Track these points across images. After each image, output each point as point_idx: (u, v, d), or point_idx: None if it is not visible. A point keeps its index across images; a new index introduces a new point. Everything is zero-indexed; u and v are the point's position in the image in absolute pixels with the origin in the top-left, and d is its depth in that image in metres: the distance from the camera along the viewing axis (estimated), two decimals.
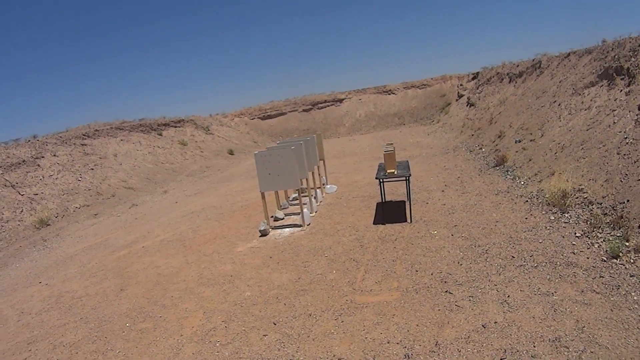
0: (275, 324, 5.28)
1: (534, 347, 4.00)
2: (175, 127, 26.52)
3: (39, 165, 15.99)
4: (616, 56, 10.27)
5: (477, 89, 23.80)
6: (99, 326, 6.00)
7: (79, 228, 12.53)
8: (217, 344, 5.02)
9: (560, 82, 13.19)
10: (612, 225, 6.22)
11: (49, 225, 12.94)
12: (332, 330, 4.91)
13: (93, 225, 12.62)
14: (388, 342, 4.48)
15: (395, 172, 8.14)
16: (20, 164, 15.56)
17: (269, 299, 5.97)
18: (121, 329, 5.80)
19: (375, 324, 4.87)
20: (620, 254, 5.42)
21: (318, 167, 11.86)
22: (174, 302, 6.39)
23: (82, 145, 19.05)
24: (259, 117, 35.32)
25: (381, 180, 8.25)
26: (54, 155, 17.08)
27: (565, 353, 3.84)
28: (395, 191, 10.51)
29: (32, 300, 7.48)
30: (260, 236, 8.89)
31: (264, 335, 5.05)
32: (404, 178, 8.02)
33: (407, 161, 9.32)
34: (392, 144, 8.73)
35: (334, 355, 4.43)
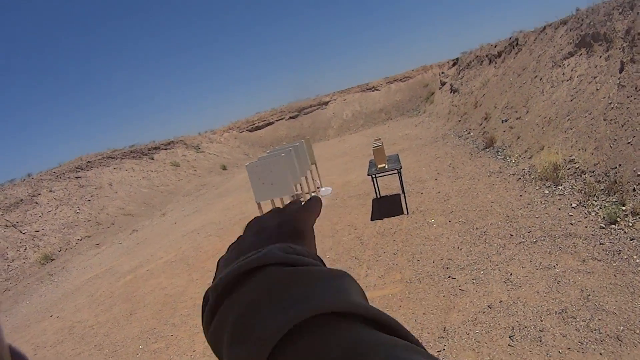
0: None
1: (541, 321, 4.01)
2: (166, 149, 26.50)
3: (36, 203, 16.03)
4: (591, 23, 10.29)
5: (459, 74, 23.84)
6: (113, 351, 6.01)
7: (83, 259, 12.51)
8: None
9: (539, 56, 13.24)
10: (606, 192, 6.23)
11: (53, 259, 12.96)
12: None
13: (96, 255, 12.60)
14: None
15: (386, 167, 8.14)
16: (18, 203, 15.60)
17: None
18: (135, 352, 5.81)
19: None
20: (618, 219, 5.44)
21: (310, 171, 11.86)
22: (184, 320, 6.38)
23: (77, 178, 19.06)
24: (247, 130, 35.32)
25: (373, 176, 8.25)
26: (50, 191, 17.11)
27: (573, 323, 3.86)
28: (389, 185, 10.51)
29: (45, 334, 7.49)
30: None
31: None
32: (396, 171, 8.03)
33: (397, 154, 9.33)
34: (379, 139, 8.75)
35: None
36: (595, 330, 3.70)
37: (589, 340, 3.60)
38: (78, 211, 16.40)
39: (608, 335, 3.60)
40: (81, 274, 10.98)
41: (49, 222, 15.04)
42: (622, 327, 3.63)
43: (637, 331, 3.53)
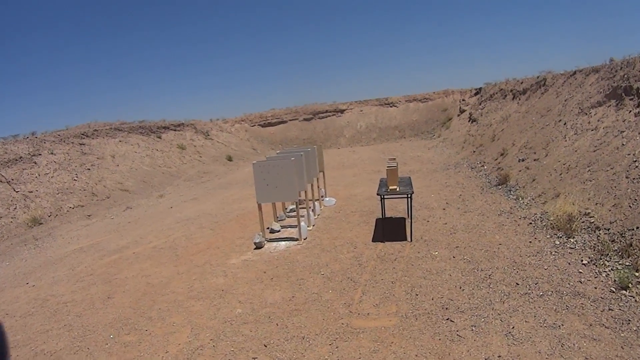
0: (265, 346, 5.01)
1: None
2: (175, 130, 26.31)
3: (35, 163, 15.80)
4: (625, 75, 10.04)
5: (480, 104, 23.61)
6: (82, 335, 5.74)
7: (71, 229, 12.27)
8: None
9: (565, 100, 12.99)
10: (620, 254, 5.97)
11: (41, 224, 12.71)
12: (326, 357, 4.63)
13: (86, 227, 12.37)
14: None
15: (398, 189, 7.89)
16: (17, 160, 15.36)
17: (260, 318, 5.70)
18: (105, 341, 5.53)
19: (371, 352, 4.60)
20: (630, 285, 5.18)
21: (317, 179, 11.61)
22: (162, 315, 6.12)
23: (80, 144, 18.85)
24: (259, 124, 35.12)
25: (382, 196, 8.00)
26: (52, 154, 16.88)
27: None
28: (395, 207, 10.27)
29: (17, 302, 7.24)
30: (254, 249, 8.62)
31: (254, 359, 4.79)
32: (406, 195, 7.78)
33: (410, 177, 9.07)
34: (394, 159, 8.50)
35: None
36: None
37: None
38: (75, 178, 16.17)
39: None
40: (66, 243, 10.74)
41: (44, 185, 14.80)
42: None
43: None
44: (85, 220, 13.19)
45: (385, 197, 8.06)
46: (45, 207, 13.65)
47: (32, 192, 14.13)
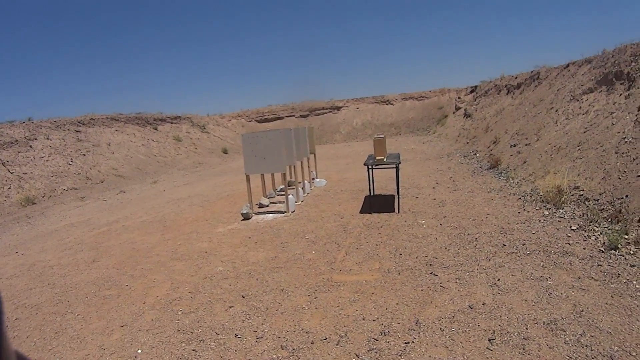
0: (243, 297, 4.87)
1: (527, 329, 3.60)
2: (172, 123, 26.18)
3: (31, 147, 15.75)
4: (616, 61, 10.02)
5: (475, 101, 23.58)
6: (64, 291, 5.66)
7: (64, 209, 12.13)
8: (179, 313, 4.64)
9: (558, 90, 12.94)
10: (609, 220, 5.87)
11: (34, 204, 12.62)
12: (304, 306, 4.48)
13: (78, 207, 12.21)
14: (363, 319, 4.06)
15: (385, 159, 7.76)
16: (12, 143, 15.33)
17: (241, 274, 5.56)
18: (85, 295, 5.45)
19: (351, 302, 4.45)
20: (619, 246, 5.05)
21: (308, 159, 11.50)
22: (144, 273, 6.02)
23: (77, 131, 18.77)
24: (256, 120, 35.00)
25: (370, 167, 7.86)
26: (47, 139, 16.82)
27: (562, 336, 3.44)
28: (385, 186, 10.14)
29: (5, 268, 7.16)
30: (242, 219, 8.49)
31: (230, 307, 4.64)
32: (394, 166, 7.64)
33: (399, 153, 8.95)
34: (382, 134, 8.38)
35: (302, 329, 4.00)
36: (586, 346, 3.28)
37: (579, 356, 3.18)
38: (70, 163, 16.09)
39: (600, 353, 3.18)
40: (58, 220, 10.60)
41: (38, 167, 14.75)
42: (616, 348, 3.21)
43: (633, 353, 3.12)
44: (78, 202, 13.05)
45: (374, 168, 7.93)
46: (39, 188, 13.56)
47: (26, 173, 14.06)
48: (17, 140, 15.50)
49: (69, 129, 18.42)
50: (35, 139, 16.36)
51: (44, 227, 10.03)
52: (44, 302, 5.36)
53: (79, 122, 19.62)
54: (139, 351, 3.94)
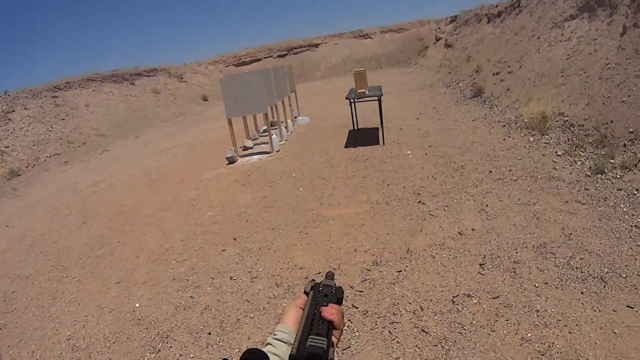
0: (235, 239, 4.85)
1: (517, 252, 3.64)
2: (149, 76, 25.24)
3: (10, 119, 15.10)
4: None
5: (455, 31, 23.05)
6: (57, 257, 5.54)
7: (48, 176, 11.78)
8: (173, 262, 4.62)
9: (539, 17, 12.64)
10: (595, 145, 5.88)
11: (19, 175, 12.22)
12: (295, 242, 4.48)
13: (63, 172, 11.86)
14: (355, 251, 4.07)
15: (367, 92, 7.60)
16: None
17: (231, 217, 5.52)
18: (78, 257, 5.37)
19: (342, 235, 4.45)
20: (606, 170, 5.08)
21: (289, 98, 11.26)
22: (134, 228, 5.94)
23: (53, 97, 18.01)
24: (233, 64, 33.91)
25: (352, 100, 7.70)
26: (25, 109, 16.15)
27: (552, 259, 3.49)
28: (368, 119, 10.02)
29: None
30: (227, 164, 8.36)
31: (223, 251, 4.63)
32: (376, 98, 7.50)
33: (380, 86, 8.77)
34: (363, 67, 8.17)
35: (295, 266, 4.01)
36: (576, 268, 3.33)
37: (570, 278, 3.23)
38: (50, 129, 15.58)
39: (591, 275, 3.23)
40: (44, 188, 10.28)
41: (19, 138, 14.25)
42: (606, 269, 3.26)
43: (623, 275, 3.17)
44: (63, 167, 12.68)
45: (356, 101, 7.78)
46: (22, 159, 13.14)
47: (8, 147, 13.56)
48: None
49: (45, 96, 17.72)
50: (13, 111, 15.70)
51: (31, 197, 9.73)
52: (38, 270, 5.24)
53: (55, 87, 18.85)
54: (137, 305, 3.93)
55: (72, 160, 13.33)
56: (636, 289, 3.01)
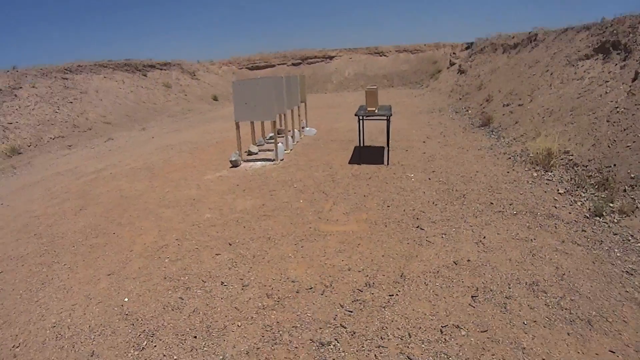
0: (230, 245, 4.85)
1: (509, 288, 3.65)
2: (161, 69, 25.35)
3: (16, 96, 15.05)
4: (614, 31, 9.87)
5: (470, 57, 23.20)
6: (50, 241, 5.52)
7: (50, 158, 11.77)
8: (166, 260, 4.62)
9: (554, 53, 12.74)
10: (596, 187, 5.90)
11: (20, 153, 12.19)
12: (290, 254, 4.48)
13: (65, 156, 11.87)
14: (349, 270, 4.08)
15: (376, 111, 7.64)
16: None
17: (228, 222, 5.53)
18: (71, 244, 5.34)
19: (337, 252, 4.46)
20: (604, 213, 5.09)
21: (299, 108, 11.31)
22: (131, 221, 5.93)
23: (63, 79, 18.02)
24: (247, 67, 34.04)
25: (361, 117, 7.74)
26: (33, 87, 16.11)
27: (543, 297, 3.50)
28: (375, 139, 10.06)
29: None
30: (230, 167, 8.39)
31: (217, 254, 4.63)
32: (385, 117, 7.53)
33: (390, 105, 8.81)
34: (375, 85, 8.22)
35: (288, 278, 4.01)
36: (565, 309, 3.34)
37: (558, 318, 3.24)
38: (57, 111, 15.54)
39: (579, 317, 3.24)
40: (44, 170, 10.28)
41: (24, 117, 14.16)
42: (594, 313, 3.28)
43: (610, 319, 3.18)
44: (66, 150, 12.69)
45: (364, 119, 7.82)
46: (25, 137, 13.09)
47: (11, 123, 13.49)
48: (1, 90, 14.85)
49: (55, 77, 17.70)
50: (21, 87, 15.66)
51: (30, 177, 9.73)
52: (30, 253, 5.23)
53: (66, 69, 18.84)
54: (126, 299, 3.92)
55: (75, 144, 13.35)
56: (620, 334, 3.03)
